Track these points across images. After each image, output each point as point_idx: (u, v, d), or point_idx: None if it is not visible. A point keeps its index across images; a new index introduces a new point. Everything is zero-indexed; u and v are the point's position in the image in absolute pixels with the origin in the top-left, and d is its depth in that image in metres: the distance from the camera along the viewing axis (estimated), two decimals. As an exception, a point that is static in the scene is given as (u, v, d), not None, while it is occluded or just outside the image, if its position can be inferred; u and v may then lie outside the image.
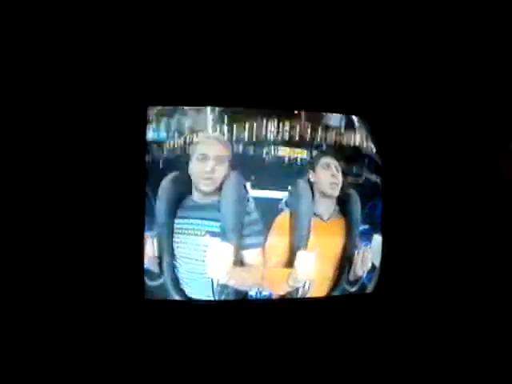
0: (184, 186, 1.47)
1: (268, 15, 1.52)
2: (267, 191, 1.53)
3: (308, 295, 1.56)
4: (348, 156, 1.62)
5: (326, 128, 1.59)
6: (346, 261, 1.61)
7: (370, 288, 1.64)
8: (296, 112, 1.56)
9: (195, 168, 1.47)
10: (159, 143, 1.46)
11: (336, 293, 1.61)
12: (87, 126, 1.43)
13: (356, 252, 1.62)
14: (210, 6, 1.48)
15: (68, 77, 1.43)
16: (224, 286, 1.48)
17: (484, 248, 1.69)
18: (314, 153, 1.58)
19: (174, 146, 1.48)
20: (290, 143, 1.55)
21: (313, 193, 1.57)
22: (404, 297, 1.65)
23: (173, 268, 1.47)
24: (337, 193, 1.60)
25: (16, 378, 1.34)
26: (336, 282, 1.60)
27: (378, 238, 1.64)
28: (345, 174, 1.60)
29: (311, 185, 1.57)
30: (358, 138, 1.64)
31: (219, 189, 1.48)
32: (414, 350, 1.61)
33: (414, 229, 1.66)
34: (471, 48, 1.64)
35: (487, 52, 1.64)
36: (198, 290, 1.48)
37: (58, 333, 1.41)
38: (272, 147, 1.54)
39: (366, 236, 1.64)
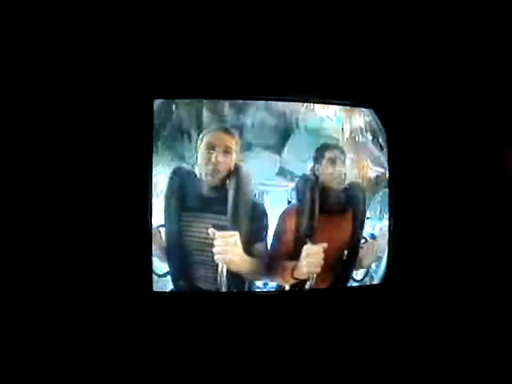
0: (191, 179, 1.48)
1: (273, 5, 1.52)
2: (274, 184, 1.54)
3: (314, 287, 1.56)
4: (354, 148, 1.62)
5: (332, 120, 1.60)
6: (352, 253, 1.60)
7: (376, 280, 1.64)
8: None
9: (202, 158, 1.48)
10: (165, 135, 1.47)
11: (342, 285, 1.62)
12: (93, 119, 1.44)
13: (362, 244, 1.62)
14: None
15: (73, 69, 1.43)
16: (231, 278, 1.49)
17: (492, 240, 1.67)
18: (320, 145, 1.58)
19: (181, 138, 1.49)
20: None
21: (319, 186, 1.57)
22: (411, 289, 1.64)
23: (180, 261, 1.48)
24: (343, 185, 1.60)
25: (23, 367, 1.36)
26: (342, 274, 1.61)
27: (384, 230, 1.63)
28: (351, 166, 1.60)
29: (317, 178, 1.57)
30: (365, 129, 1.64)
31: (226, 181, 1.49)
32: (422, 342, 1.61)
33: (421, 220, 1.65)
34: (476, 43, 1.63)
35: (494, 46, 1.63)
36: (206, 283, 1.49)
37: (66, 327, 1.42)
38: (279, 140, 1.55)
39: (373, 228, 1.63)
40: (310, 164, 1.57)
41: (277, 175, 1.55)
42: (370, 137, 1.64)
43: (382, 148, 1.65)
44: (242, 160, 1.50)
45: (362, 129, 1.63)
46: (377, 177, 1.65)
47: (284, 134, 1.55)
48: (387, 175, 1.64)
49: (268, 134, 1.54)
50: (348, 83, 1.60)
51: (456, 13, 1.58)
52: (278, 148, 1.55)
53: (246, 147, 1.52)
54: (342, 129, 1.61)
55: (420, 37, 1.62)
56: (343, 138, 1.61)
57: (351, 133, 1.62)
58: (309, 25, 1.56)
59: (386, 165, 1.64)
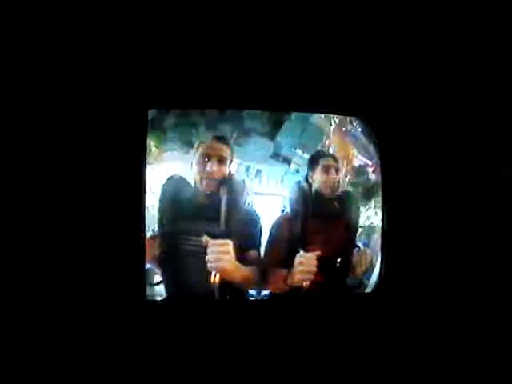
0: (185, 187, 1.49)
1: (266, 15, 1.53)
2: (267, 192, 1.55)
3: (307, 295, 1.57)
4: (347, 156, 1.63)
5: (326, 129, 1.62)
6: (345, 261, 1.61)
7: (369, 288, 1.65)
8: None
9: (197, 167, 1.50)
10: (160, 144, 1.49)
11: (335, 293, 1.62)
12: (88, 129, 1.45)
13: (355, 252, 1.63)
14: (209, 8, 1.49)
15: (68, 79, 1.44)
16: (224, 286, 1.49)
17: (485, 247, 1.68)
18: (313, 153, 1.60)
19: (175, 147, 1.50)
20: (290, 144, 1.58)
21: (312, 194, 1.58)
22: (404, 297, 1.65)
23: (174, 269, 1.49)
24: (336, 193, 1.61)
25: (16, 379, 1.36)
26: (335, 282, 1.61)
27: (377, 238, 1.64)
28: (344, 173, 1.62)
29: (310, 185, 1.59)
30: (358, 138, 1.65)
31: (220, 189, 1.50)
32: (414, 349, 1.61)
33: (414, 228, 1.66)
34: (471, 49, 1.64)
35: (487, 53, 1.64)
36: (199, 291, 1.50)
37: (58, 336, 1.42)
38: (272, 148, 1.56)
39: (366, 236, 1.65)
40: (304, 172, 1.58)
41: (271, 182, 1.56)
42: (364, 146, 1.66)
43: (376, 156, 1.66)
44: (236, 167, 1.53)
45: (356, 138, 1.65)
46: (371, 185, 1.66)
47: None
48: (381, 183, 1.65)
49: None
50: (341, 94, 1.62)
51: (446, 25, 1.60)
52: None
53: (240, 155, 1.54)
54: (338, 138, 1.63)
55: (412, 48, 1.64)
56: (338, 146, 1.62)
57: (346, 141, 1.64)
58: (302, 36, 1.57)
59: (380, 173, 1.65)
